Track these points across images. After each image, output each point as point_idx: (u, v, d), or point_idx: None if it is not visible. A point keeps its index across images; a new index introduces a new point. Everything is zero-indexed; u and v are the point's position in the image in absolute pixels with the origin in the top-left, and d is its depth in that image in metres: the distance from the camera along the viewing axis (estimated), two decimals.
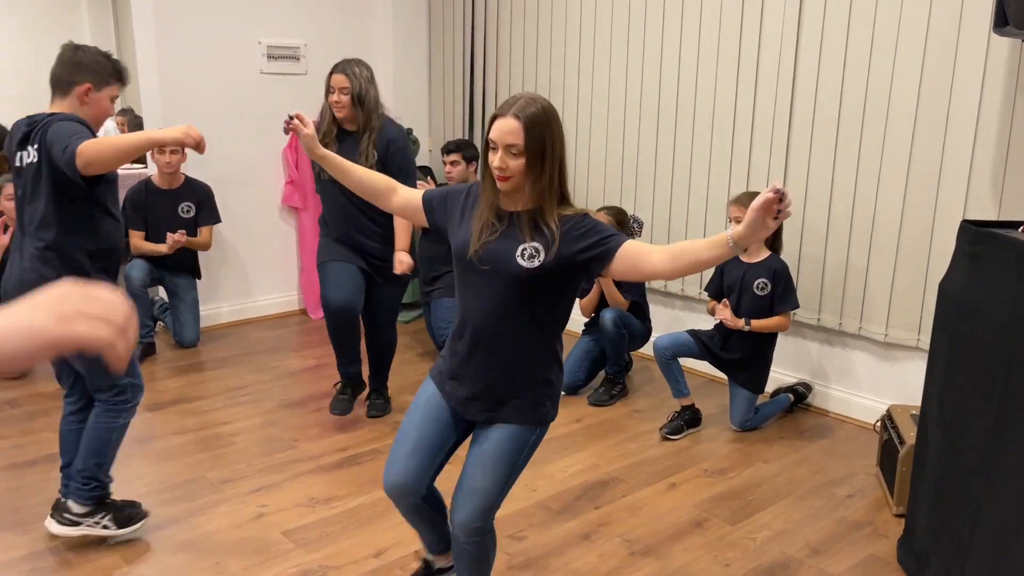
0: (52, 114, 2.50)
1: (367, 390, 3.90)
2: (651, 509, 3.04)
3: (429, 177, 4.75)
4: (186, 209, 4.61)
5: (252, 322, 5.26)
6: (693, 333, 3.73)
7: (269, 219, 5.34)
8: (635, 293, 4.06)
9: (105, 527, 2.71)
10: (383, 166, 3.45)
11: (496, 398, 2.05)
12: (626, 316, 4.00)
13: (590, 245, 1.94)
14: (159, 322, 4.92)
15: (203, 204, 4.66)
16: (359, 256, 3.58)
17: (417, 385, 4.21)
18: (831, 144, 3.75)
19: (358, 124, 3.49)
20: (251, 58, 5.03)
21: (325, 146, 3.26)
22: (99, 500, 2.71)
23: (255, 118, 5.11)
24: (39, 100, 7.29)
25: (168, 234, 4.43)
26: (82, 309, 0.79)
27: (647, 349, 4.28)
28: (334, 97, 3.45)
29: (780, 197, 1.66)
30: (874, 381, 3.81)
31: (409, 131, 5.24)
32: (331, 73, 3.47)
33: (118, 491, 3.06)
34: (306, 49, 5.21)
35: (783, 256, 3.66)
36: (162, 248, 4.47)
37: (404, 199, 2.19)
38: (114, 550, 2.69)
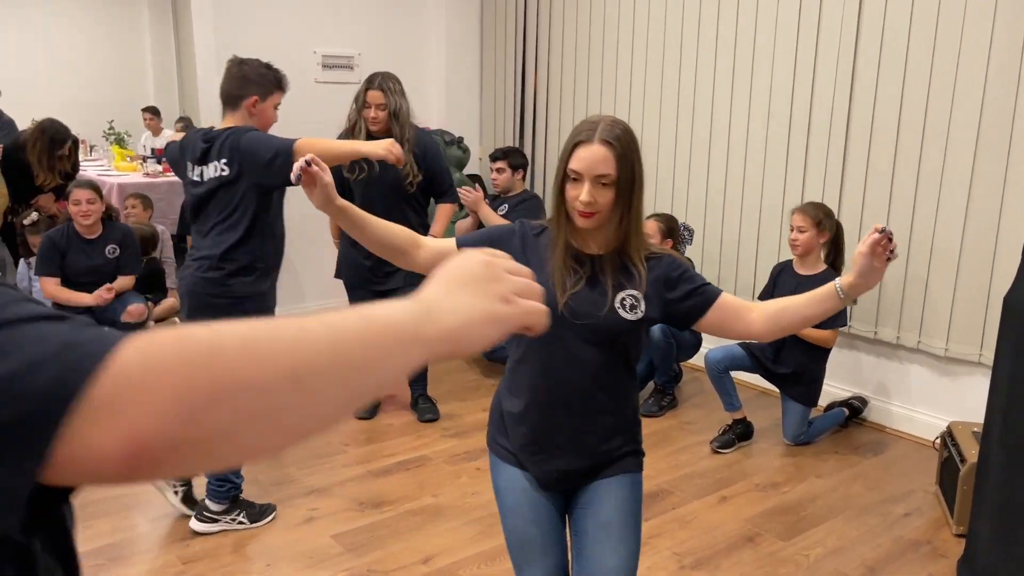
0: (231, 128, 2.68)
1: (411, 396, 3.92)
2: (701, 522, 3.00)
3: (477, 184, 4.76)
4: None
5: None
6: (745, 346, 3.68)
7: (322, 225, 5.40)
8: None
9: (240, 523, 2.86)
10: (423, 173, 3.55)
11: (600, 460, 1.80)
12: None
13: (686, 294, 1.74)
14: None
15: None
16: (372, 272, 3.60)
17: (464, 392, 4.23)
18: (890, 153, 3.67)
19: (393, 138, 3.51)
20: (307, 67, 5.11)
21: (355, 163, 3.28)
22: (234, 499, 2.87)
23: (310, 126, 5.16)
24: (102, 107, 7.51)
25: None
26: (512, 287, 0.73)
27: (697, 360, 4.24)
28: (371, 113, 3.49)
29: (888, 237, 1.52)
30: (933, 397, 3.71)
31: (460, 139, 5.28)
32: (366, 88, 3.49)
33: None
34: (360, 58, 5.28)
35: (841, 273, 3.59)
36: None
37: (433, 252, 1.80)
38: (169, 550, 2.75)
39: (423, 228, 3.65)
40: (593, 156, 1.66)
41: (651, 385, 4.12)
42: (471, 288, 0.71)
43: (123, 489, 3.09)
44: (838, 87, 3.81)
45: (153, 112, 8.53)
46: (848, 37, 3.75)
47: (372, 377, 0.61)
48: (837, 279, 1.64)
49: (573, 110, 5.16)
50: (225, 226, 2.70)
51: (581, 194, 1.65)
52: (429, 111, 5.68)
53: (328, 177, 1.73)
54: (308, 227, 5.28)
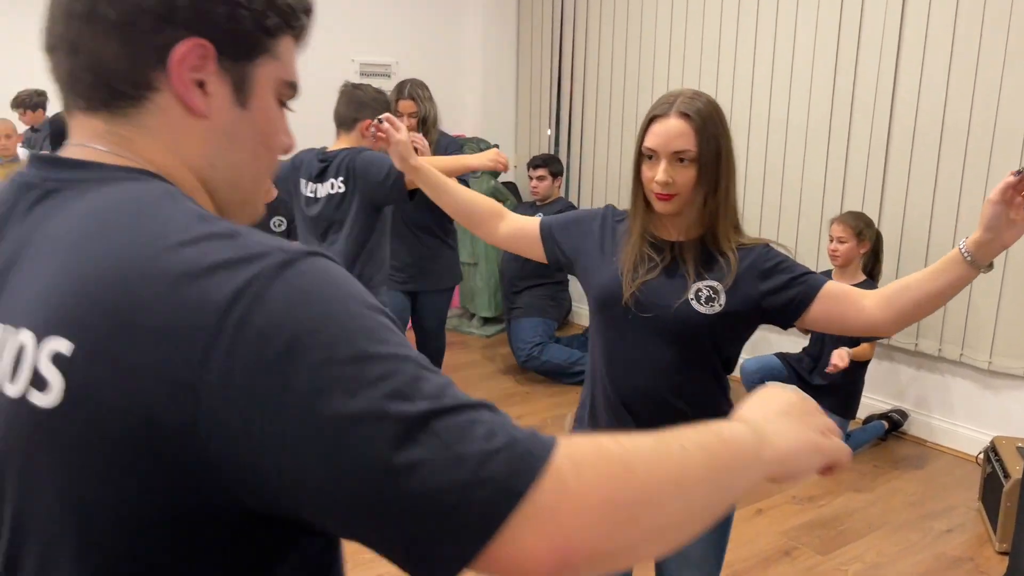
0: (348, 149, 2.86)
1: None
2: (737, 535, 2.96)
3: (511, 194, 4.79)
4: (278, 224, 4.74)
5: None
6: (782, 356, 3.64)
7: None
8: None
9: None
10: None
11: None
12: None
13: (782, 285, 1.54)
14: None
15: (294, 219, 4.78)
16: (401, 273, 3.50)
17: (499, 400, 4.22)
18: (932, 164, 3.62)
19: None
20: (345, 75, 5.15)
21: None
22: None
23: None
24: None
25: None
26: (823, 423, 0.80)
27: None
28: (403, 122, 3.46)
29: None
30: (976, 411, 3.64)
31: (496, 147, 5.29)
32: (397, 98, 3.50)
33: None
34: (397, 66, 5.32)
35: (879, 283, 3.54)
36: None
37: (514, 227, 1.74)
38: None
39: (442, 230, 3.60)
40: (668, 131, 1.51)
41: None
42: (792, 418, 0.76)
43: None
44: (879, 94, 3.76)
45: None
46: (890, 44, 3.70)
47: (729, 493, 0.65)
48: (962, 240, 1.40)
49: (609, 118, 5.15)
50: (334, 241, 2.83)
51: (657, 174, 1.51)
52: (465, 119, 5.71)
53: (400, 136, 1.82)
54: None
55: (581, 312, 5.60)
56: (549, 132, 5.62)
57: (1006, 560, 2.67)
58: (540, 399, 4.24)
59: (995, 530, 2.89)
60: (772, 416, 0.75)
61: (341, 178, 2.82)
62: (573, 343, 4.72)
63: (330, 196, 2.85)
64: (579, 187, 5.48)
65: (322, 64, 5.06)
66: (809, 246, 4.11)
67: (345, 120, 2.94)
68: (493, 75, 5.70)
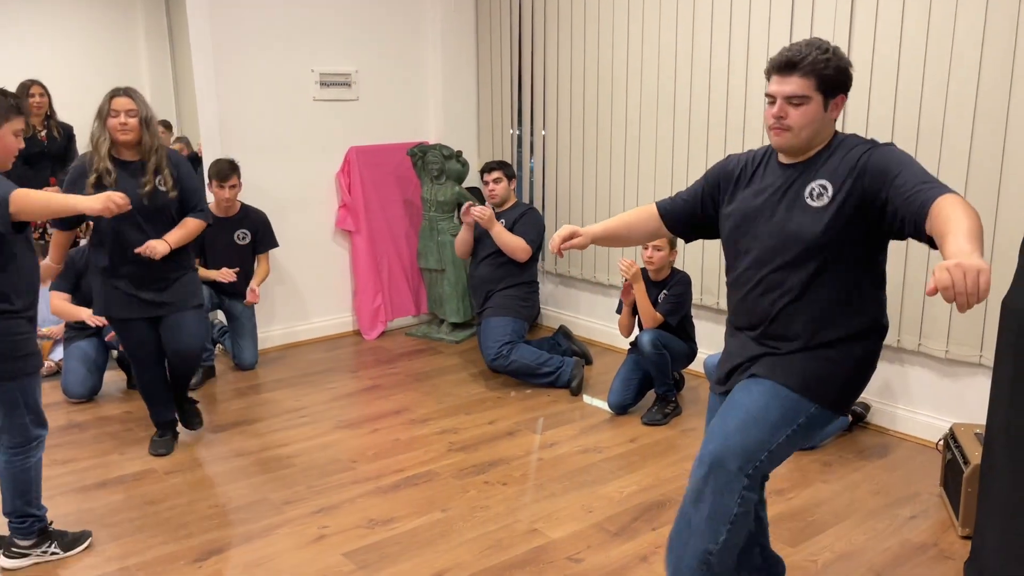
0: None
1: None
2: None
3: (488, 204, 4.79)
4: (242, 236, 4.73)
5: (307, 344, 5.36)
6: None
7: (323, 242, 5.44)
8: (674, 312, 3.97)
9: (54, 553, 2.83)
10: (181, 188, 3.41)
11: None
12: (664, 337, 3.94)
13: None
14: (218, 345, 5.04)
15: (259, 231, 4.78)
16: (143, 298, 3.41)
17: (470, 405, 4.25)
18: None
19: (144, 149, 3.32)
20: (305, 85, 5.15)
21: (100, 177, 3.21)
22: (41, 531, 2.82)
23: (309, 144, 5.23)
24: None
25: (225, 269, 4.53)
26: None
27: (697, 366, 4.26)
28: (120, 120, 3.24)
29: None
30: (935, 399, 3.74)
31: (459, 153, 5.32)
32: (111, 97, 3.27)
33: (181, 509, 3.14)
34: (357, 76, 5.32)
35: None
36: (213, 275, 4.54)
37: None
38: (182, 571, 2.77)
39: (178, 260, 3.46)
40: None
41: (651, 395, 4.14)
42: None
43: (132, 513, 3.11)
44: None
45: (165, 126, 8.59)
46: (841, 33, 3.78)
47: None
48: None
49: (571, 118, 5.20)
50: None
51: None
52: (427, 126, 5.72)
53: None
54: (312, 247, 5.32)
55: (549, 315, 5.65)
56: (512, 131, 5.65)
57: (969, 544, 2.75)
58: (511, 404, 4.27)
59: (957, 515, 2.98)
60: None
61: None
62: (543, 345, 4.75)
63: None
64: (544, 191, 5.52)
65: (282, 74, 5.05)
66: None
67: None
68: (453, 82, 5.72)
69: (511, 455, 3.66)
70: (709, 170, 2.31)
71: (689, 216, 2.34)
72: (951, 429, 3.19)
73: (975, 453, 2.89)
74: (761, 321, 2.12)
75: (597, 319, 5.35)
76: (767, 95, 2.04)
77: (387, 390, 4.51)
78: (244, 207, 4.76)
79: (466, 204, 4.62)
